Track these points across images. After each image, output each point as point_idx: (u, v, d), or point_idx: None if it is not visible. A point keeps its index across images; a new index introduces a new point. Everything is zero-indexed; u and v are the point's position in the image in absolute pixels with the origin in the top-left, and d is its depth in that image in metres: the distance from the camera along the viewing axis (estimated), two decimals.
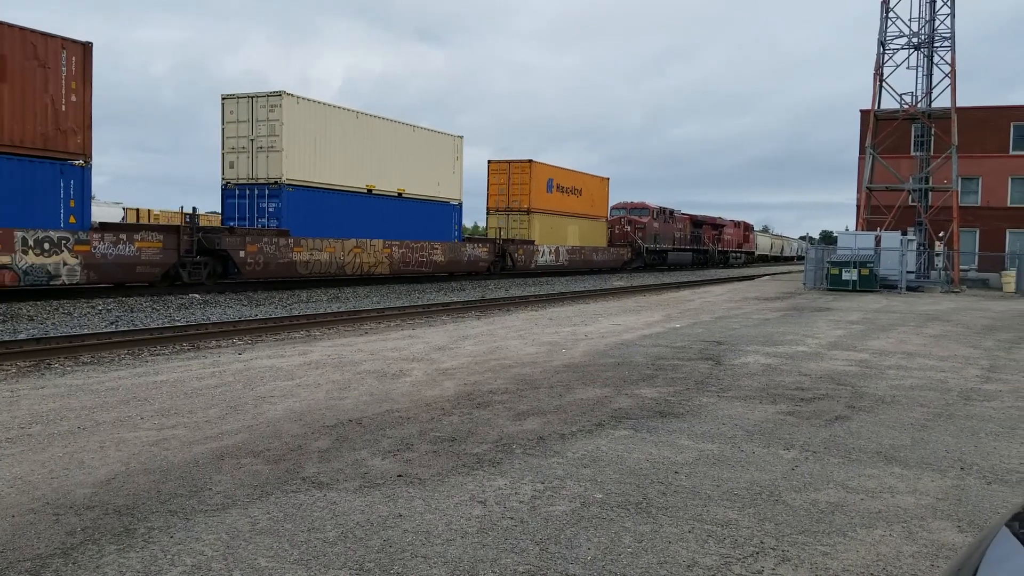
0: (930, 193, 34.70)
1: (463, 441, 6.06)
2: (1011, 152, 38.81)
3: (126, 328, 14.20)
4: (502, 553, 3.91)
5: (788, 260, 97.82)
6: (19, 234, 17.75)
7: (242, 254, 23.50)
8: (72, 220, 19.20)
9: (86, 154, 19.40)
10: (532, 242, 39.36)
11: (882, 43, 33.73)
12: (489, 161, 40.51)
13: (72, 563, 3.73)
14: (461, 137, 34.37)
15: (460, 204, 34.49)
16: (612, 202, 50.89)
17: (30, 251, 17.94)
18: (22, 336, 12.80)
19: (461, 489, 4.90)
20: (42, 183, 18.55)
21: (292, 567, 3.72)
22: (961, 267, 33.50)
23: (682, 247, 57.73)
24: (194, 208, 23.83)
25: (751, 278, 43.78)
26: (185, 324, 14.72)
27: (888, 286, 29.49)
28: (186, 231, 22.23)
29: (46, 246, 18.32)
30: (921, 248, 33.33)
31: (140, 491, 4.79)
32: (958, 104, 32.86)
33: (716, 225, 66.64)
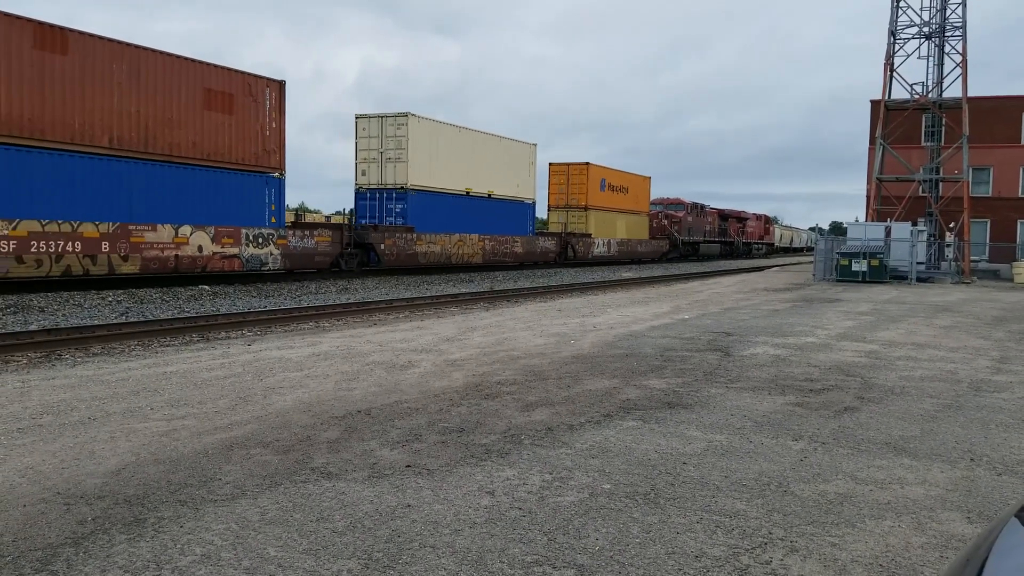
0: (941, 183, 34.50)
1: (471, 432, 6.07)
2: (1023, 142, 38.48)
3: (136, 319, 14.28)
4: (510, 543, 3.92)
5: (798, 251, 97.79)
6: (244, 231, 23.02)
7: (382, 246, 28.80)
8: (273, 220, 24.19)
9: (281, 168, 24.41)
10: (589, 235, 43.81)
11: (893, 32, 33.48)
12: (550, 164, 45.37)
13: (83, 552, 3.76)
14: (535, 144, 39.19)
15: (534, 203, 39.66)
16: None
17: (250, 244, 23.23)
18: (33, 327, 12.88)
19: (469, 480, 4.91)
20: (253, 191, 23.60)
21: (301, 557, 3.74)
22: (972, 258, 33.29)
23: (712, 239, 61.32)
24: (352, 211, 29.74)
25: (760, 269, 43.66)
26: (195, 315, 14.78)
27: (898, 277, 29.32)
28: (346, 228, 27.63)
29: (259, 240, 23.56)
30: (931, 239, 33.11)
31: (150, 481, 4.82)
32: (969, 94, 32.61)
33: (740, 218, 70.68)
